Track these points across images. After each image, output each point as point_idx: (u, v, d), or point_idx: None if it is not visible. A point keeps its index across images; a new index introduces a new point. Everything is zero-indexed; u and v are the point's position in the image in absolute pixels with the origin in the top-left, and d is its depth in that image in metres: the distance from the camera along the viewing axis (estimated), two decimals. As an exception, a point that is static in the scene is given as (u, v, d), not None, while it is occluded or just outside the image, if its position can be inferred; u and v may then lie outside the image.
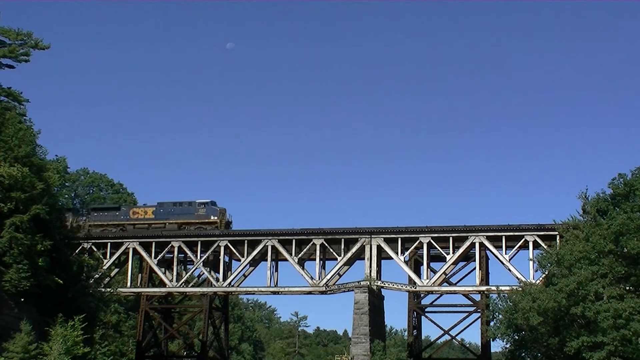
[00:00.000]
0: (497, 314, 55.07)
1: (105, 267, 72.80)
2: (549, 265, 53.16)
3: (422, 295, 72.34)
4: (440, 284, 69.81)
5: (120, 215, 77.30)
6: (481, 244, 68.33)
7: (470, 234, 68.20)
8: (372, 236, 69.98)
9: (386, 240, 69.72)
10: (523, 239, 66.99)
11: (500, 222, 68.64)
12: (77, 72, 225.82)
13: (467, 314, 71.69)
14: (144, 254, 74.35)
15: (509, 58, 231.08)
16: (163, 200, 77.24)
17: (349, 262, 71.68)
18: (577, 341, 46.55)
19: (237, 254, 72.96)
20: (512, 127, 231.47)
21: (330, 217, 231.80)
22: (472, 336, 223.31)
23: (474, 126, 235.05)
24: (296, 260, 71.09)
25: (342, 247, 70.94)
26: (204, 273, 74.91)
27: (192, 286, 75.49)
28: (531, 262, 64.17)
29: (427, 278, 70.01)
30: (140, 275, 78.30)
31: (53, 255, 51.21)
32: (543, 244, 65.42)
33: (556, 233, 62.85)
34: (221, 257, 73.70)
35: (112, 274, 76.07)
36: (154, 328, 78.28)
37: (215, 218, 75.30)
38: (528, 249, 66.65)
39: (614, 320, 45.02)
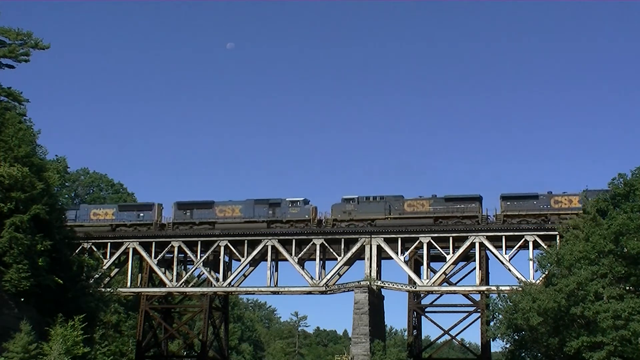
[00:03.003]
0: (497, 314, 55.05)
1: (105, 267, 72.83)
2: (549, 265, 53.13)
3: (422, 295, 72.37)
4: (440, 284, 69.84)
5: (540, 204, 68.27)
6: (481, 244, 68.36)
7: (470, 234, 68.21)
8: (372, 236, 69.98)
9: (386, 240, 69.73)
10: (523, 239, 67.02)
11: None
12: (77, 72, 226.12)
13: (467, 314, 71.78)
14: (144, 254, 74.36)
15: (509, 58, 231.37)
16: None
17: (349, 262, 71.71)
18: (577, 341, 46.54)
19: (237, 254, 72.99)
20: (512, 127, 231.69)
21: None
22: (472, 336, 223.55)
23: (473, 126, 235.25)
24: (296, 260, 71.10)
25: (342, 247, 70.95)
26: (204, 273, 74.93)
27: (192, 286, 75.50)
28: (531, 262, 64.17)
29: (427, 278, 70.03)
30: (140, 275, 78.32)
31: (53, 255, 51.16)
32: (543, 244, 65.45)
33: (556, 233, 62.89)
34: (221, 257, 73.73)
35: (112, 274, 76.09)
36: (154, 328, 78.30)
37: None
38: (528, 249, 66.69)
39: (613, 320, 45.02)
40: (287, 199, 72.87)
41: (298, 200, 72.47)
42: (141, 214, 75.27)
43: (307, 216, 71.92)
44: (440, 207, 69.51)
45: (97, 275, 66.82)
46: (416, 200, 70.54)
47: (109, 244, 74.57)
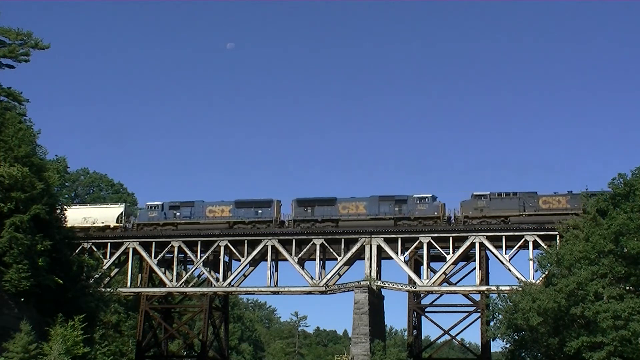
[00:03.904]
0: (497, 314, 55.07)
1: (105, 267, 72.79)
2: (549, 265, 53.15)
3: (422, 295, 72.36)
4: (440, 284, 69.82)
5: None
6: (481, 244, 68.33)
7: (470, 234, 68.18)
8: (372, 236, 69.92)
9: (386, 240, 69.70)
10: (523, 239, 67.00)
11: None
12: (77, 72, 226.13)
13: (467, 314, 71.79)
14: (144, 254, 74.33)
15: (509, 58, 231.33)
16: None
17: (349, 262, 71.68)
18: (576, 341, 46.56)
19: (237, 254, 72.94)
20: (512, 127, 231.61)
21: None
22: (472, 336, 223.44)
23: (473, 126, 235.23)
24: (296, 260, 71.08)
25: (342, 247, 70.90)
26: (204, 273, 74.91)
27: (192, 286, 75.48)
28: (531, 262, 64.17)
29: (427, 278, 70.01)
30: (140, 275, 78.29)
31: (53, 255, 51.18)
32: (543, 244, 65.44)
33: (556, 233, 62.87)
34: (221, 257, 73.68)
35: (112, 274, 76.04)
36: (154, 328, 78.30)
37: None
38: (528, 249, 66.67)
39: (613, 320, 45.02)
40: (414, 195, 69.94)
41: (426, 197, 69.67)
42: (259, 211, 72.80)
43: (435, 213, 69.20)
44: (578, 204, 65.48)
45: (97, 275, 66.81)
46: (552, 197, 68.01)
47: (108, 244, 74.53)
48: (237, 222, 72.98)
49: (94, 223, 74.33)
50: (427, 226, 69.06)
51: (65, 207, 62.40)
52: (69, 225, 72.68)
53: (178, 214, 74.44)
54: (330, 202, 71.76)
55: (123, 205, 76.95)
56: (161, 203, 75.43)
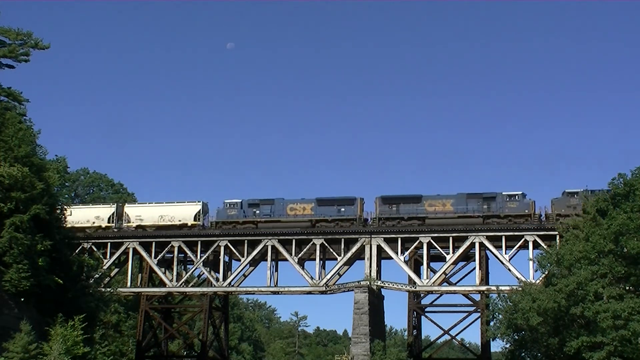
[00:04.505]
0: (497, 314, 55.08)
1: (105, 267, 72.79)
2: (548, 265, 53.13)
3: (422, 295, 72.38)
4: (440, 284, 69.85)
5: None
6: (481, 244, 68.34)
7: (470, 234, 68.18)
8: (372, 236, 69.94)
9: (386, 240, 69.71)
10: (523, 239, 67.00)
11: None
12: (77, 72, 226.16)
13: (467, 314, 71.82)
14: (144, 254, 74.34)
15: (509, 58, 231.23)
16: None
17: (349, 262, 71.70)
18: (576, 341, 46.54)
19: (237, 254, 72.95)
20: (512, 127, 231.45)
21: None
22: (472, 336, 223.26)
23: (473, 126, 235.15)
24: (296, 260, 71.09)
25: (342, 247, 70.91)
26: (204, 273, 74.92)
27: (192, 286, 75.50)
28: (531, 262, 64.16)
29: (427, 278, 70.04)
30: (140, 275, 78.32)
31: (53, 255, 51.14)
32: (543, 244, 65.43)
33: (556, 233, 62.85)
34: (221, 257, 73.70)
35: (112, 274, 76.07)
36: (154, 328, 78.32)
37: None
38: (528, 249, 66.67)
39: (613, 320, 45.00)
40: (503, 193, 68.51)
41: (516, 194, 68.20)
42: (342, 209, 71.26)
43: (526, 211, 67.64)
44: None
45: (97, 275, 66.76)
46: None
47: (108, 244, 74.53)
48: (319, 220, 71.55)
49: (170, 221, 73.87)
50: (428, 226, 69.12)
51: (66, 206, 62.06)
52: (144, 224, 72.72)
53: (258, 212, 72.85)
54: (416, 199, 70.05)
55: (200, 202, 74.92)
56: (240, 201, 73.73)
